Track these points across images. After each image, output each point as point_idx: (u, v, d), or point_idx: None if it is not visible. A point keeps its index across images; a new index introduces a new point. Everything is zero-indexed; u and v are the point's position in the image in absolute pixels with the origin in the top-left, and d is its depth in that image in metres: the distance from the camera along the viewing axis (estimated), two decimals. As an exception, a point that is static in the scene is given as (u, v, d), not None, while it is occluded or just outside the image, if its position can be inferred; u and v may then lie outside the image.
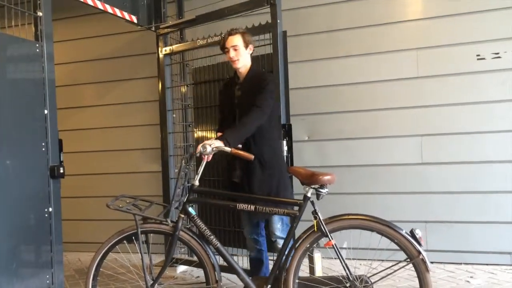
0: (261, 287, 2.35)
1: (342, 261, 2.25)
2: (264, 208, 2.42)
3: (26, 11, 2.66)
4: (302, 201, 2.33)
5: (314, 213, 2.30)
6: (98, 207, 4.88)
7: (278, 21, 3.23)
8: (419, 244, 2.14)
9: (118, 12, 3.77)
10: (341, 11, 4.17)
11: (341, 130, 4.17)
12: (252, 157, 2.56)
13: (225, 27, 3.48)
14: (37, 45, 2.68)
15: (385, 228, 2.20)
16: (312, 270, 2.77)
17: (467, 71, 3.83)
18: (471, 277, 3.50)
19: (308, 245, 2.31)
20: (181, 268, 4.02)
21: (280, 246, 2.49)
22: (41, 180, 2.65)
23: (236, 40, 2.78)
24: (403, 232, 2.17)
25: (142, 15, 4.09)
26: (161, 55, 4.13)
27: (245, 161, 2.65)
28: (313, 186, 2.30)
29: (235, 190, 2.75)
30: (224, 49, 2.84)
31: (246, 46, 2.81)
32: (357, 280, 2.22)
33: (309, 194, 2.31)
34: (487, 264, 3.76)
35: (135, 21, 4.01)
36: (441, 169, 3.90)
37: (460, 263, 3.83)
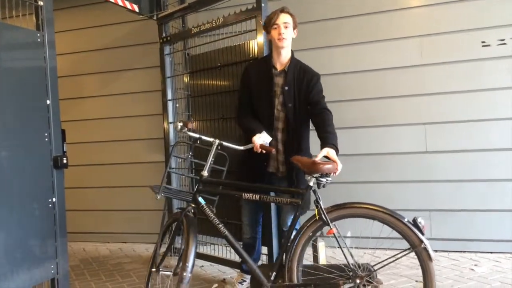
0: (267, 274, 2.36)
1: (344, 250, 2.25)
2: (268, 197, 2.42)
3: (27, 0, 2.64)
4: (304, 190, 2.33)
5: (316, 202, 2.29)
6: (102, 198, 4.91)
7: (263, 5, 3.15)
8: (422, 233, 2.12)
9: (119, 1, 3.74)
10: (344, -1, 4.14)
11: (344, 119, 4.14)
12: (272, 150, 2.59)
13: (226, 13, 3.45)
14: (38, 34, 2.66)
15: (387, 216, 2.18)
16: (316, 258, 2.78)
17: (472, 58, 3.79)
18: (475, 265, 3.51)
19: (311, 234, 2.30)
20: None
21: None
22: (44, 171, 2.64)
23: (288, 18, 2.74)
24: (405, 221, 2.15)
25: (144, 3, 4.05)
26: (161, 44, 4.12)
27: (288, 155, 2.71)
28: (314, 175, 2.29)
29: (266, 180, 2.81)
30: (272, 26, 2.73)
31: (294, 28, 2.78)
32: (360, 268, 2.22)
33: (311, 183, 2.29)
34: (491, 252, 3.76)
35: (137, 10, 3.98)
36: (445, 157, 3.88)
37: (464, 251, 3.83)
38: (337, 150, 2.41)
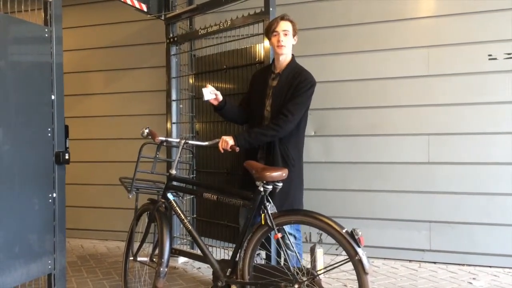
0: (224, 269, 2.48)
1: (285, 254, 2.34)
2: (225, 198, 2.49)
3: (36, -5, 2.65)
4: (254, 194, 2.36)
5: (263, 207, 2.32)
6: (102, 195, 4.91)
7: (271, 9, 3.15)
8: (358, 244, 2.10)
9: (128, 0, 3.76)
10: (352, 6, 4.13)
11: (348, 126, 4.14)
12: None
13: (233, 16, 3.46)
14: (46, 29, 2.67)
15: (324, 225, 2.20)
16: (313, 264, 2.78)
17: (478, 71, 3.79)
18: (473, 278, 3.49)
19: (258, 237, 2.38)
20: (182, 259, 4.02)
21: (287, 241, 2.51)
22: (46, 166, 2.64)
23: (288, 25, 2.80)
24: (343, 231, 2.14)
25: (152, 3, 4.07)
26: (167, 44, 4.13)
27: (268, 155, 2.78)
28: (262, 182, 2.31)
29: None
30: (272, 33, 2.81)
31: (294, 35, 2.84)
32: (301, 273, 2.26)
33: (260, 188, 2.32)
34: (490, 266, 3.74)
35: (145, 9, 3.99)
36: (448, 169, 3.87)
37: (463, 264, 3.82)
38: (236, 142, 2.64)
